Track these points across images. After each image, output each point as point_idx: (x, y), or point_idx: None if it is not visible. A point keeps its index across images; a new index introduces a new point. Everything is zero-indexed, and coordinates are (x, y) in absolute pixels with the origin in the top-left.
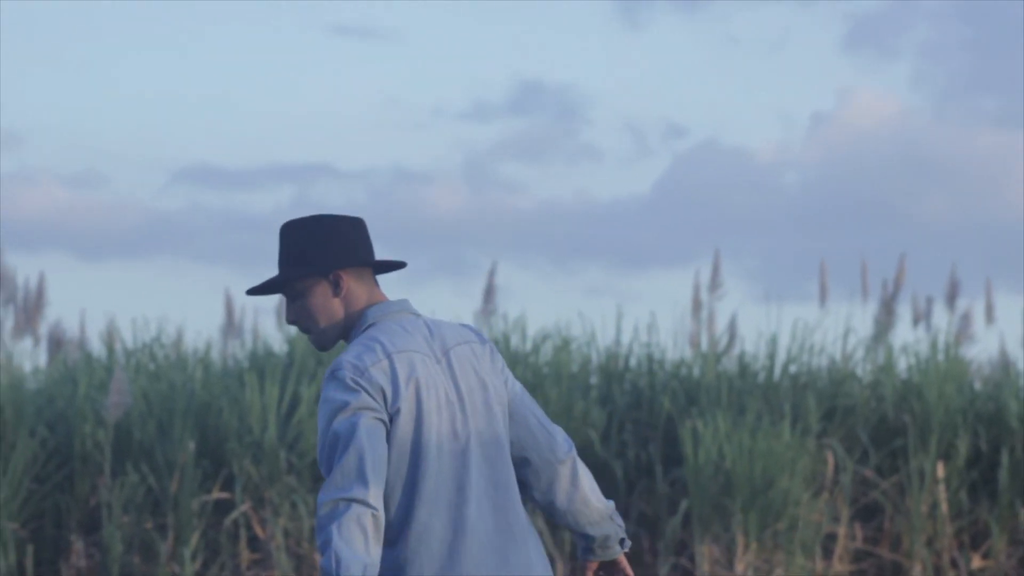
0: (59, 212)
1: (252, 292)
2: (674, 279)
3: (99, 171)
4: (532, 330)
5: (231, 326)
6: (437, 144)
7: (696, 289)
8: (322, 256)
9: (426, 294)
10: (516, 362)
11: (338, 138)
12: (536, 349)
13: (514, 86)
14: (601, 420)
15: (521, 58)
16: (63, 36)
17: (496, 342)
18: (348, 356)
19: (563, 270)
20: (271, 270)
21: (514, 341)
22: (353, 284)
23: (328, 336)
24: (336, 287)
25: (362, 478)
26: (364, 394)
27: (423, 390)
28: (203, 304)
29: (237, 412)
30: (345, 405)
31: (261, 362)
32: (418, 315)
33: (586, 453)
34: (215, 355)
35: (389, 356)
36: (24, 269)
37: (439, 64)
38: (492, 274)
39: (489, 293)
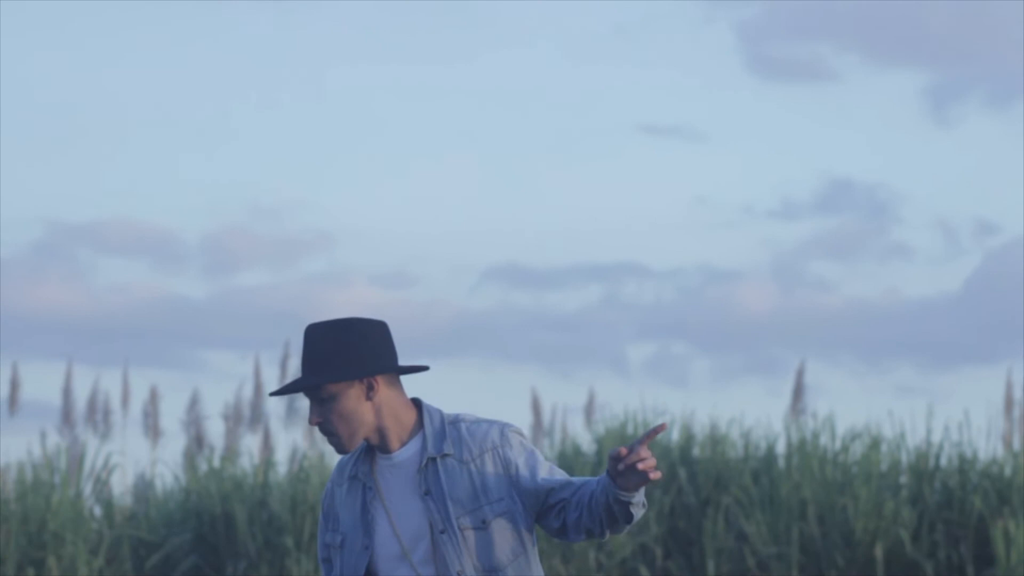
0: (370, 311)
1: (277, 394)
2: (986, 377)
3: (409, 271)
4: (841, 429)
5: (539, 425)
6: (746, 242)
7: (1008, 387)
8: (358, 360)
9: (736, 393)
10: (825, 460)
11: (647, 237)
12: (845, 448)
13: (823, 184)
14: (911, 520)
15: (829, 156)
16: (375, 139)
17: (804, 441)
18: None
19: (873, 368)
20: (582, 368)
21: (823, 440)
22: (385, 389)
23: (354, 440)
24: (370, 389)
25: None
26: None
27: None
28: (511, 403)
29: None
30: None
31: (569, 461)
32: None
33: (896, 553)
34: None
35: None
36: None
37: (747, 163)
38: (801, 373)
39: (798, 392)
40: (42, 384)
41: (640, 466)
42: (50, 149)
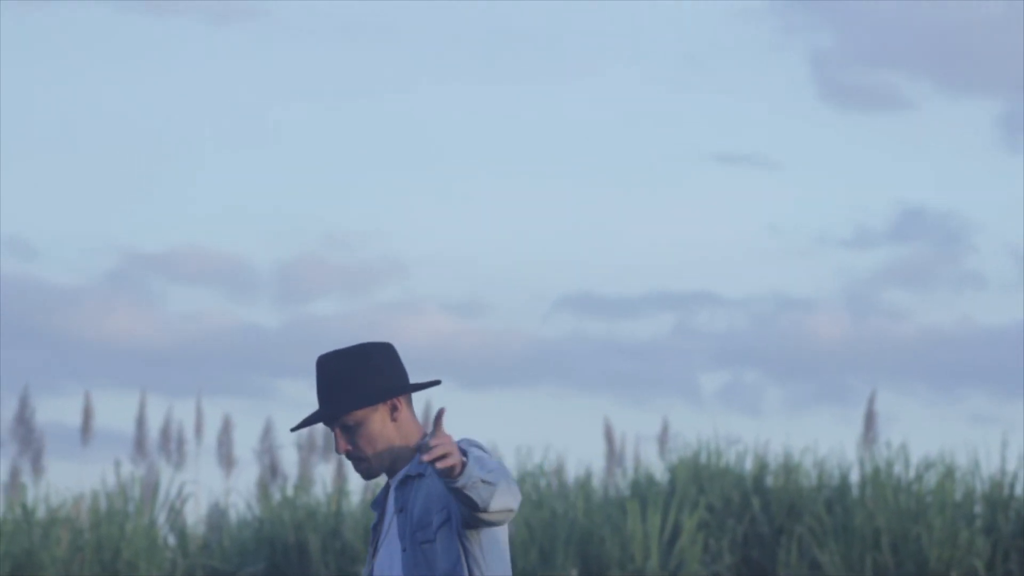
0: (443, 340)
1: (298, 428)
2: None
3: (482, 299)
4: (915, 458)
5: (612, 454)
6: (819, 271)
7: None
8: (380, 384)
9: (809, 421)
10: (899, 489)
11: (720, 265)
12: (919, 477)
13: (896, 212)
14: (986, 549)
15: (903, 184)
16: (446, 167)
17: (877, 470)
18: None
19: (946, 397)
20: (655, 397)
21: (897, 469)
22: (405, 408)
23: (383, 463)
24: (394, 411)
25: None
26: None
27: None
28: (584, 432)
29: (619, 540)
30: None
31: (643, 490)
32: None
33: None
34: (596, 483)
35: None
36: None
37: (821, 191)
38: (872, 401)
39: (870, 420)
40: (116, 413)
41: (424, 458)
42: (125, 179)
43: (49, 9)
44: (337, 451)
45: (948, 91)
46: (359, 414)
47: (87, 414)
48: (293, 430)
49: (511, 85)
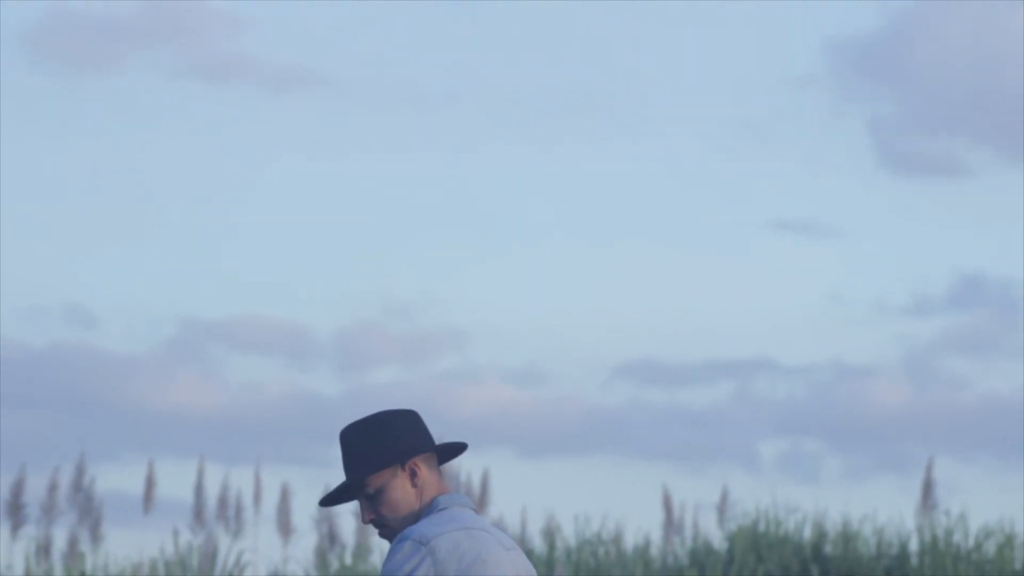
0: (502, 409)
1: (326, 503)
2: None
3: (541, 367)
4: (974, 526)
5: (670, 522)
6: (878, 339)
7: None
8: (396, 447)
9: (868, 490)
10: (958, 558)
11: (779, 333)
12: (979, 546)
13: (955, 280)
14: None
15: (963, 252)
16: (504, 232)
17: (936, 538)
18: (420, 526)
19: (1006, 465)
20: (713, 465)
21: (956, 537)
22: (425, 472)
23: (406, 527)
24: (413, 476)
25: None
26: (428, 562)
27: (492, 568)
28: (642, 500)
29: None
30: (408, 573)
31: (701, 558)
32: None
33: None
34: (655, 552)
35: (463, 530)
36: (467, 466)
37: (880, 259)
38: (931, 469)
39: (928, 488)
40: (175, 481)
41: None
42: (185, 246)
43: (110, 78)
44: (363, 522)
45: (1008, 158)
46: (378, 481)
47: (149, 483)
48: (322, 504)
49: (568, 148)
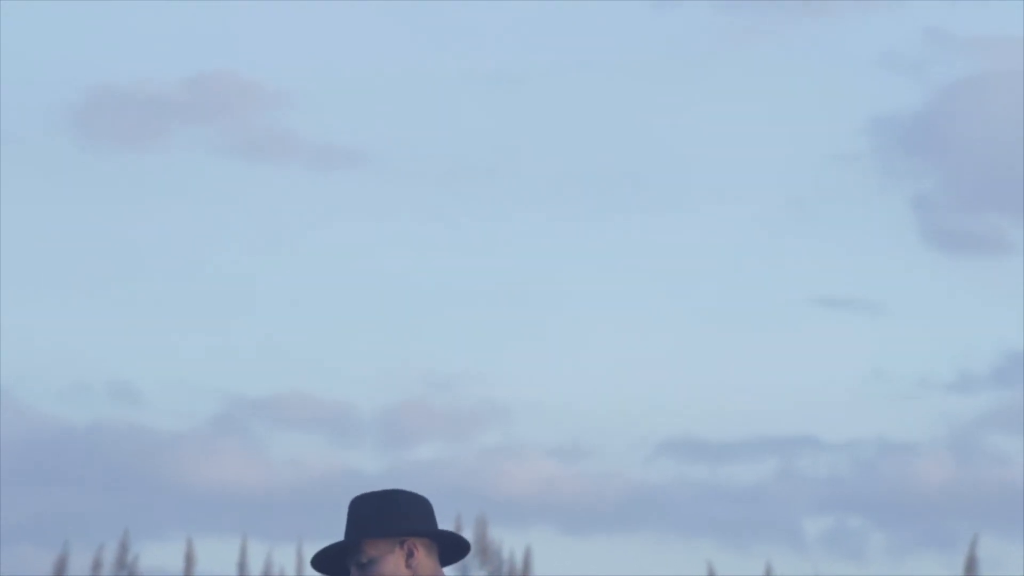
0: (544, 485)
1: (317, 564)
2: None
3: (584, 443)
4: None
5: None
6: (922, 415)
7: None
8: (400, 523)
9: (910, 566)
10: None
11: (823, 409)
12: None
13: (999, 357)
14: None
15: (1006, 328)
16: (544, 310)
17: None
18: None
19: None
20: (757, 542)
21: None
22: (423, 556)
23: None
24: (410, 556)
25: None
26: None
27: None
28: None
29: None
30: None
31: None
32: None
33: None
34: None
35: None
36: (510, 542)
37: (924, 335)
38: (974, 546)
39: (971, 565)
40: (217, 559)
41: None
42: (227, 323)
43: (154, 155)
44: None
45: None
46: (374, 551)
47: (188, 560)
48: (313, 564)
49: (612, 224)
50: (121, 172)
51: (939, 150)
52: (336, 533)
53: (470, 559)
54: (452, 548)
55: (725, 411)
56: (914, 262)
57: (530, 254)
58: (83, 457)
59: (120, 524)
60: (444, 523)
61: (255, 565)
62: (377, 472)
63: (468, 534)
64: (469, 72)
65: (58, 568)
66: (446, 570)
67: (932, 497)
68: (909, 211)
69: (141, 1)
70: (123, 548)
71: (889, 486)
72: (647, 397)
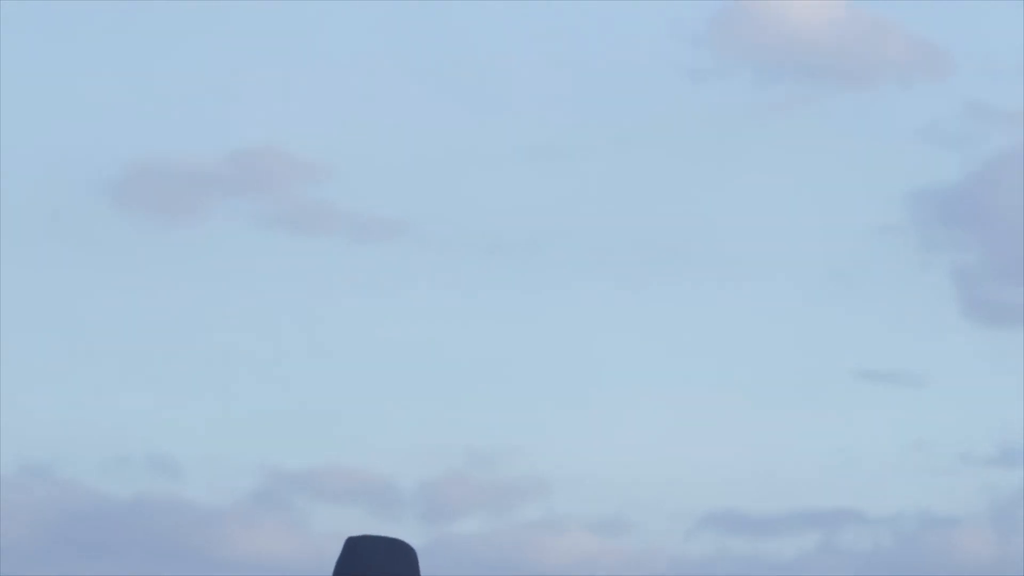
0: (586, 560)
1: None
2: None
3: (627, 517)
4: None
5: None
6: (964, 489)
7: None
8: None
9: None
10: None
11: (864, 482)
12: None
13: None
14: None
15: None
16: (585, 381)
17: None
18: None
19: None
20: None
21: None
22: None
23: None
24: None
25: None
26: None
27: None
28: None
29: None
30: None
31: None
32: None
33: None
34: None
35: None
36: None
37: (965, 408)
38: None
39: None
40: None
41: None
42: (268, 397)
43: (193, 228)
44: None
45: None
46: None
47: None
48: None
49: (652, 294)
50: (160, 245)
51: (979, 222)
52: None
53: None
54: None
55: (767, 484)
56: (954, 335)
57: (571, 326)
58: (123, 531)
59: None
60: None
61: None
62: (417, 546)
63: None
64: (510, 144)
65: None
66: None
67: (975, 571)
68: (950, 284)
69: (175, 76)
70: None
71: (931, 560)
72: (688, 470)
